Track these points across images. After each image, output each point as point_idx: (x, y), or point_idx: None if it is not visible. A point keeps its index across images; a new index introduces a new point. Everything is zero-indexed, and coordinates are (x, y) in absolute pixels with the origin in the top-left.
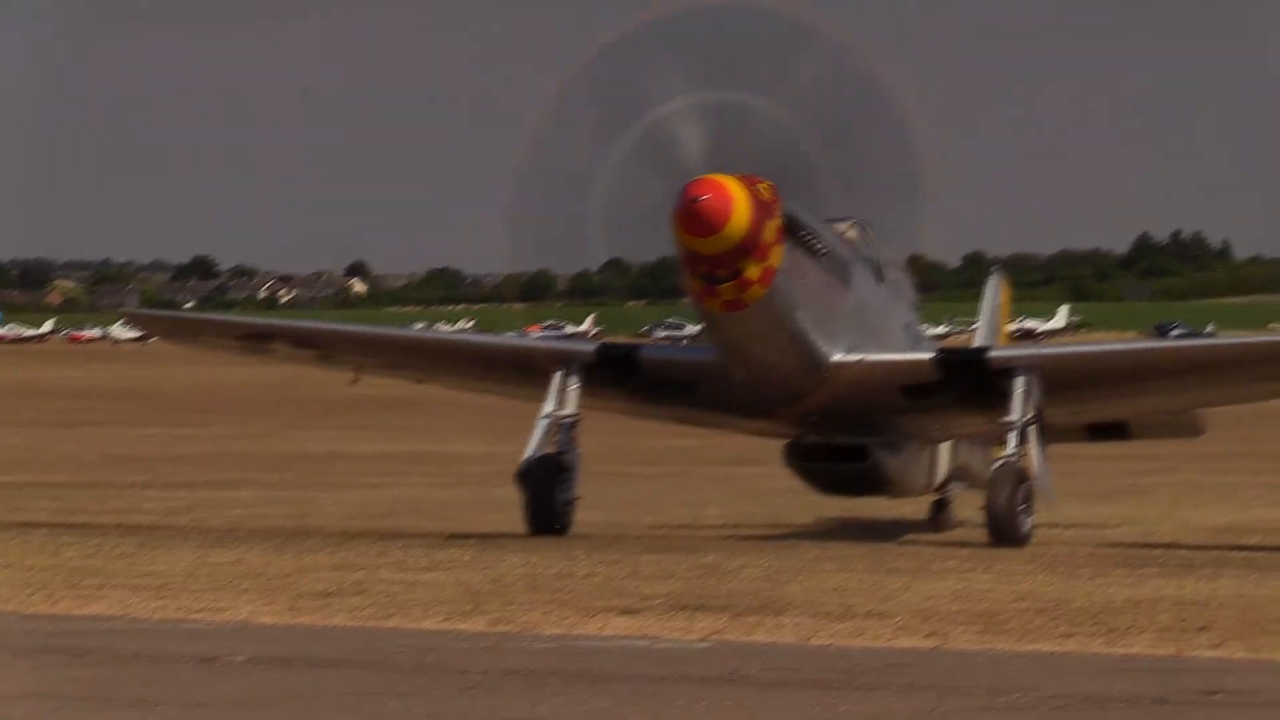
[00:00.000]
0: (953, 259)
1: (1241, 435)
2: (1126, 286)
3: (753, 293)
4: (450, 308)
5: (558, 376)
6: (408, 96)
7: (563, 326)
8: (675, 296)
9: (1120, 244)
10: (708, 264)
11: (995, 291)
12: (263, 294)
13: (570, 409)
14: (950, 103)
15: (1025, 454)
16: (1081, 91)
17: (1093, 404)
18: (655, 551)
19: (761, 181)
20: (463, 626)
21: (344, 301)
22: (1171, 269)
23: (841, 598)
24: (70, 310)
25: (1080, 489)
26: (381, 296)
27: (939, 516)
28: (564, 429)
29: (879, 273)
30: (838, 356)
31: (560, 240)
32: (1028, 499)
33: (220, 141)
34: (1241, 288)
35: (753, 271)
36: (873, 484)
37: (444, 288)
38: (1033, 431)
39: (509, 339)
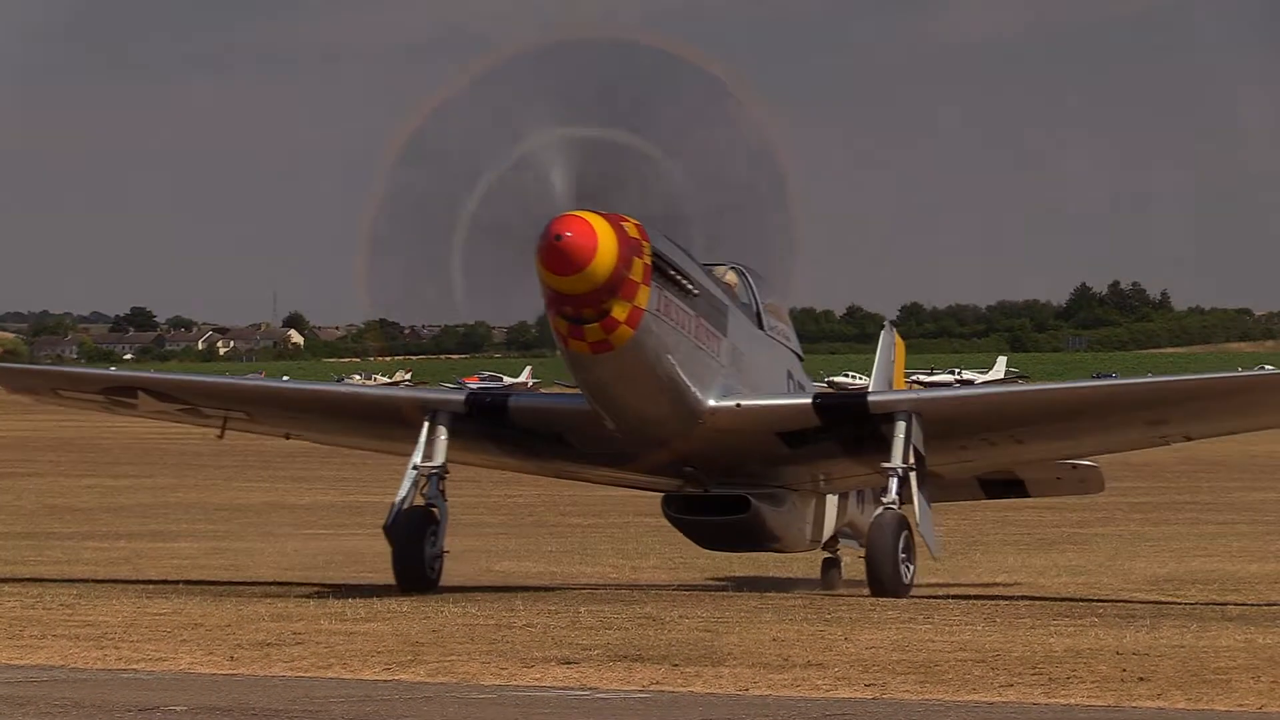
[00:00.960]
0: (890, 311)
1: (1180, 485)
2: (1065, 338)
3: (620, 334)
4: (388, 359)
5: (425, 426)
6: (332, 146)
7: (500, 379)
8: None
9: (1059, 295)
10: (572, 303)
11: (888, 343)
12: (201, 345)
13: (438, 460)
14: (883, 152)
15: (907, 501)
16: (1022, 141)
17: (978, 450)
18: (594, 602)
19: (628, 219)
20: (402, 676)
21: (281, 353)
22: (1110, 320)
23: (780, 648)
24: (9, 361)
25: (1019, 539)
26: (319, 348)
27: (829, 575)
28: (432, 480)
29: (758, 319)
30: (711, 402)
31: (420, 291)
32: (909, 548)
33: (158, 193)
34: (1181, 338)
35: (619, 311)
36: (753, 537)
37: (382, 339)
38: (914, 477)
39: (373, 389)
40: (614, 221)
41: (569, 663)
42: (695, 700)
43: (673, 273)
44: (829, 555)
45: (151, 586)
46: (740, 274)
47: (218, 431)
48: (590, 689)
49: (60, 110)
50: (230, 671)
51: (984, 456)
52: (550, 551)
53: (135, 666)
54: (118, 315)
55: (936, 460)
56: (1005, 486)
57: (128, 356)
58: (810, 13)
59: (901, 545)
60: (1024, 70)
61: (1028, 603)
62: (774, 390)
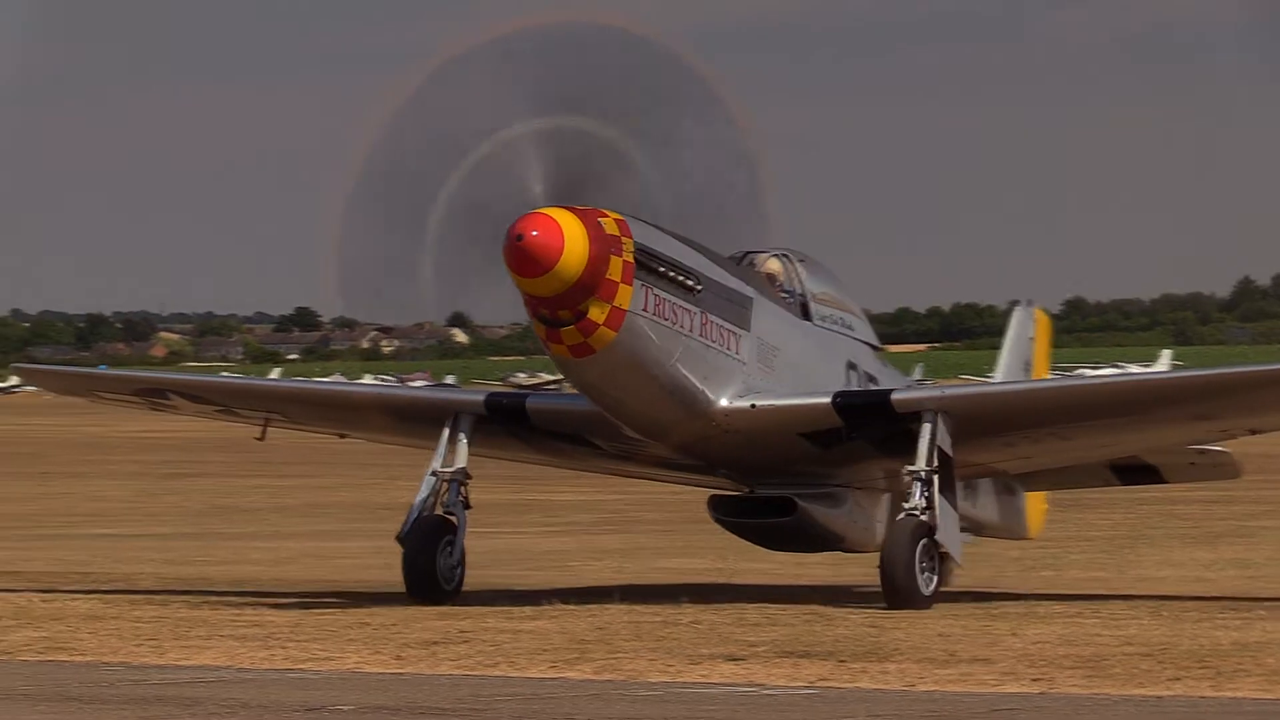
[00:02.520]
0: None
1: None
2: (1228, 330)
3: (600, 336)
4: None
5: (446, 430)
6: None
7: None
8: None
9: (1222, 288)
10: (545, 305)
11: (1021, 324)
12: (365, 345)
13: (458, 464)
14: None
15: (930, 506)
16: (1191, 135)
17: (1019, 448)
18: (760, 599)
19: (608, 214)
20: (568, 674)
21: (446, 352)
22: (1274, 312)
23: (947, 643)
24: (175, 362)
25: (1185, 532)
26: (484, 346)
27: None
28: (452, 486)
29: (804, 309)
30: (724, 402)
31: (393, 286)
32: (930, 556)
33: (323, 193)
34: None
35: (597, 313)
36: (807, 539)
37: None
38: (939, 480)
39: (401, 389)
40: (587, 218)
41: (735, 659)
42: (861, 696)
43: (664, 269)
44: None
45: (318, 585)
46: (786, 261)
47: (258, 433)
48: (757, 685)
49: (212, 111)
50: (397, 670)
51: (1028, 453)
52: (716, 549)
53: (302, 666)
54: (282, 316)
55: (983, 457)
56: (1139, 472)
57: (292, 357)
58: None
59: (920, 553)
60: (1196, 62)
61: (1194, 596)
62: (830, 385)
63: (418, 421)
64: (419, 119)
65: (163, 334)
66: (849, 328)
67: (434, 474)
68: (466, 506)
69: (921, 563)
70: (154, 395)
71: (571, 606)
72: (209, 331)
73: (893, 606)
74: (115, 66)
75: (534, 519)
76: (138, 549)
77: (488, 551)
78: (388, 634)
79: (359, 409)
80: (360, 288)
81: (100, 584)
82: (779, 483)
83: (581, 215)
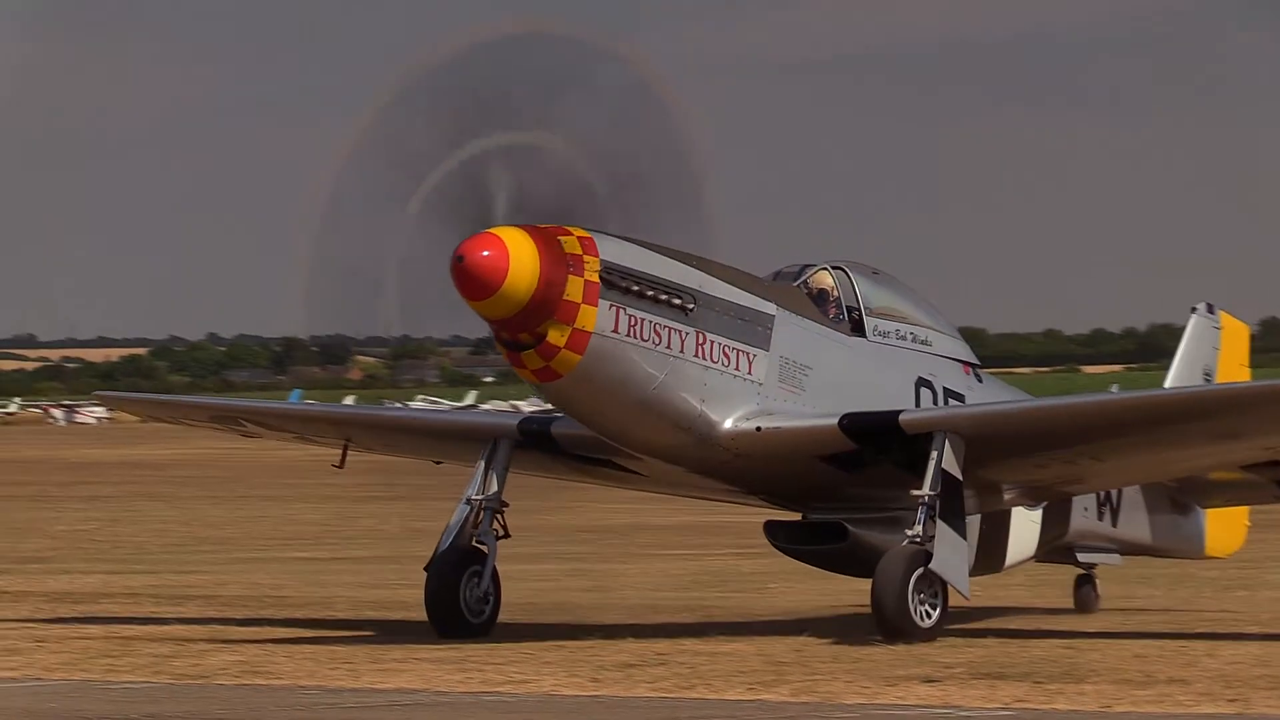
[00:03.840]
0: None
1: None
2: None
3: (563, 360)
4: None
5: (484, 455)
6: None
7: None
8: None
9: None
10: (501, 328)
11: (1200, 330)
12: None
13: (493, 491)
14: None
15: (930, 533)
16: None
17: (1053, 468)
18: (955, 621)
19: (572, 232)
20: (765, 696)
21: None
22: None
23: (1143, 664)
24: (371, 386)
25: None
26: None
27: (1082, 593)
28: (485, 514)
29: (857, 324)
30: (728, 425)
31: (353, 305)
32: (929, 587)
33: None
34: None
35: (556, 336)
36: (867, 565)
37: None
38: (943, 506)
39: (446, 414)
40: (541, 237)
41: (931, 681)
42: (1058, 717)
43: (641, 287)
44: (1082, 572)
45: (513, 608)
46: (841, 274)
47: (338, 459)
48: (953, 707)
49: None
50: (593, 693)
51: (1080, 473)
52: None
53: (498, 689)
54: (479, 338)
55: (1020, 477)
56: None
57: (488, 379)
58: None
59: (914, 583)
60: None
61: None
62: (891, 404)
63: (459, 445)
64: (384, 140)
65: (359, 357)
66: (924, 343)
67: (468, 501)
68: (503, 535)
69: (917, 593)
70: (230, 422)
71: (769, 629)
72: (405, 355)
73: (886, 639)
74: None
75: (728, 541)
76: (333, 572)
77: (685, 574)
78: (584, 656)
79: (406, 432)
80: (326, 306)
81: (296, 607)
82: (830, 508)
83: (535, 234)
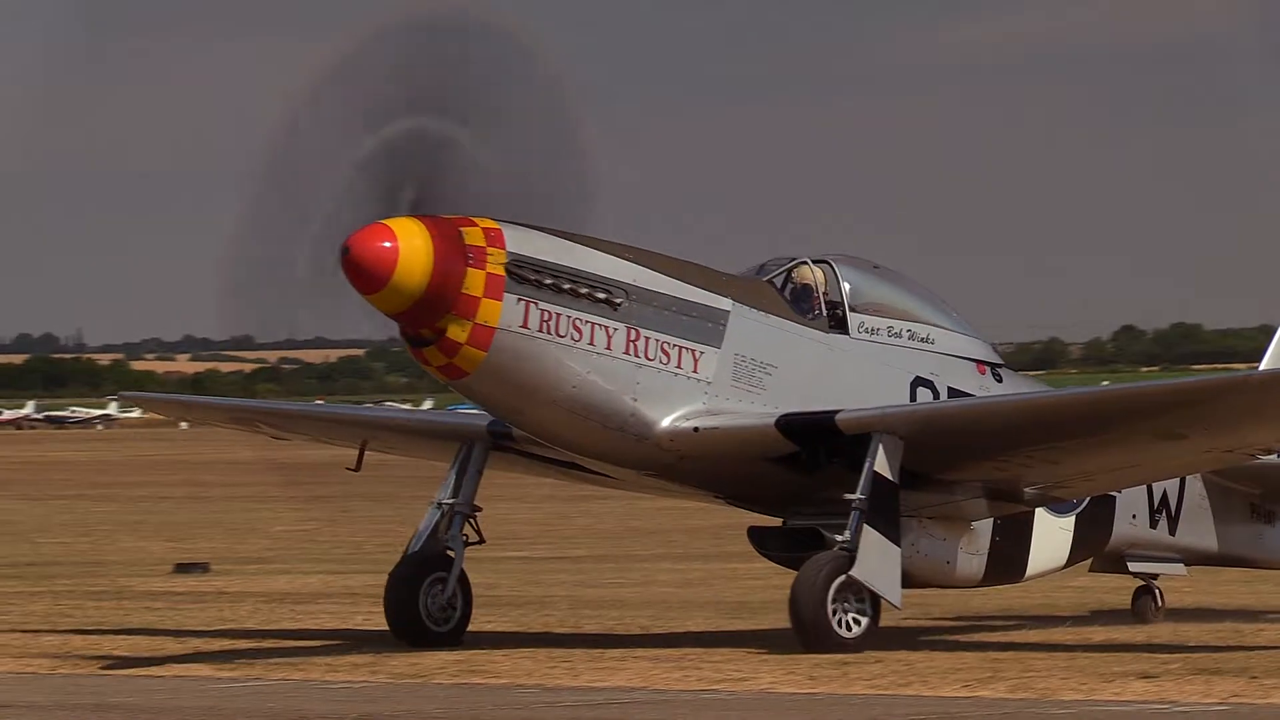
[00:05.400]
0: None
1: None
2: None
3: (466, 356)
4: None
5: (458, 458)
6: None
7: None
8: None
9: None
10: (402, 322)
11: None
12: None
13: (465, 495)
14: None
15: (858, 539)
16: None
17: (1013, 469)
18: (1171, 618)
19: (477, 223)
20: (982, 693)
21: None
22: None
23: None
24: None
25: None
26: None
27: (1140, 603)
28: (455, 520)
29: (838, 320)
30: (665, 425)
31: (268, 304)
32: (853, 595)
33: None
34: None
35: (457, 331)
36: None
37: None
38: (874, 511)
39: (422, 414)
40: (438, 227)
41: (1148, 677)
42: (1276, 712)
43: (556, 281)
44: (1142, 583)
45: (726, 607)
46: (827, 268)
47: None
48: (1169, 703)
49: None
50: (810, 690)
51: (1045, 474)
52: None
53: (715, 687)
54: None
55: (979, 476)
56: None
57: None
58: None
59: (835, 591)
60: None
61: None
62: (882, 404)
63: (435, 444)
64: (297, 132)
65: None
66: (924, 341)
67: (437, 505)
68: (475, 541)
69: (838, 601)
70: (247, 424)
71: (985, 626)
72: None
73: (806, 648)
74: None
75: None
76: (549, 571)
77: None
78: (801, 654)
79: (398, 432)
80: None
81: (513, 606)
82: (811, 513)
83: (431, 224)
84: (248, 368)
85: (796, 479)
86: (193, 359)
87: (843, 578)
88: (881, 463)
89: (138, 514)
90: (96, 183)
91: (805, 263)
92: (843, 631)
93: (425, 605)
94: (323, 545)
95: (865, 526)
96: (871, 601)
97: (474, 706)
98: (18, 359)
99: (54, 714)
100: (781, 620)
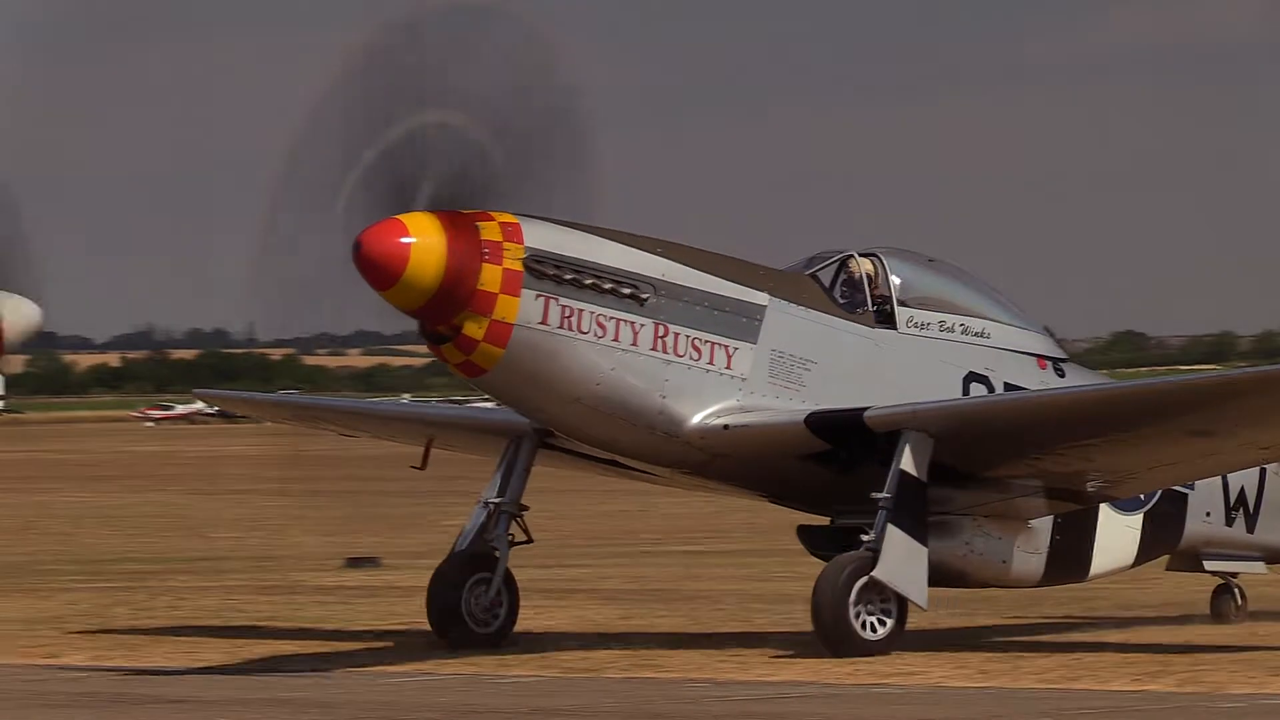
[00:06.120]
0: None
1: None
2: None
3: (484, 354)
4: (1132, 370)
5: (505, 455)
6: None
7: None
8: None
9: None
10: (419, 319)
11: None
12: None
13: (511, 494)
14: None
15: (882, 539)
16: None
17: (1045, 464)
18: (1257, 618)
19: (494, 218)
20: (1151, 687)
21: None
22: None
23: None
24: None
25: None
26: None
27: (1220, 603)
28: (501, 518)
29: (885, 315)
30: (696, 422)
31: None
32: (875, 597)
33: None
34: None
35: (473, 329)
36: None
37: (1129, 349)
38: (902, 511)
39: (474, 411)
40: (451, 223)
41: None
42: None
43: (578, 277)
44: (1221, 582)
45: None
46: (876, 261)
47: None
48: None
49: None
50: (980, 684)
51: (1083, 470)
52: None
53: (887, 681)
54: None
55: (1017, 473)
56: None
57: None
58: None
59: (857, 592)
60: None
61: None
62: (936, 398)
63: (495, 441)
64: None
65: None
66: (979, 335)
67: (484, 504)
68: (523, 541)
69: (863, 604)
70: (310, 421)
71: (1153, 620)
72: None
73: (829, 652)
74: None
75: None
76: (714, 566)
77: None
78: (972, 648)
79: (453, 429)
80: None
81: (682, 601)
82: (858, 511)
83: (445, 219)
84: (418, 362)
85: (834, 477)
86: (364, 353)
87: (865, 579)
88: (908, 461)
89: (308, 509)
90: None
91: (853, 256)
92: (866, 633)
93: (468, 605)
94: None
95: (890, 526)
96: (897, 603)
97: (646, 700)
98: (190, 354)
99: (226, 708)
100: (952, 614)
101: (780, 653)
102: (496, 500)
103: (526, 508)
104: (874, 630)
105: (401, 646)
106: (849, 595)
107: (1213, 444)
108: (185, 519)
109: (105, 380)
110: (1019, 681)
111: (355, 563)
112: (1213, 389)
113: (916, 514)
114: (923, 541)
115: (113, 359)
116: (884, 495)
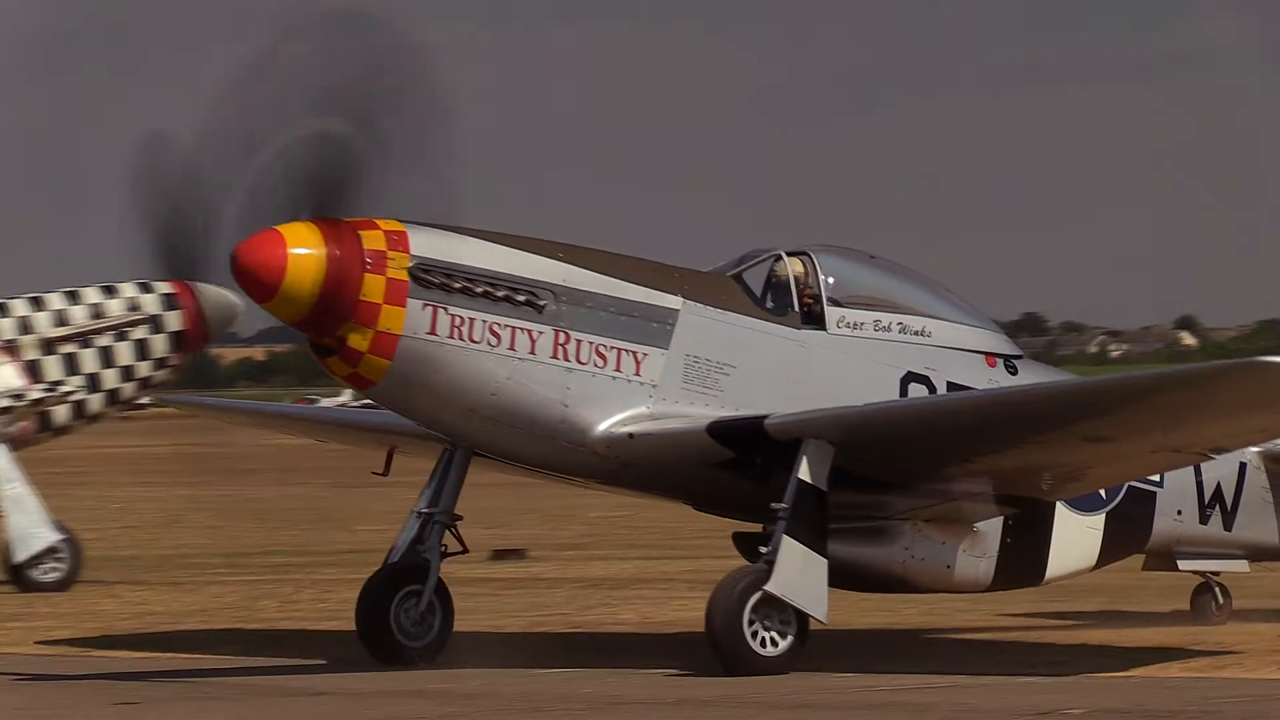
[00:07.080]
0: None
1: None
2: None
3: (370, 365)
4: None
5: (440, 462)
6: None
7: None
8: None
9: None
10: (304, 331)
11: None
12: (1093, 349)
13: (445, 504)
14: None
15: (776, 552)
16: None
17: (970, 467)
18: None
19: (379, 225)
20: None
21: (1174, 355)
22: None
23: None
24: None
25: None
26: (1211, 349)
27: (1200, 602)
28: (435, 529)
29: (814, 316)
30: (601, 431)
31: None
32: (772, 611)
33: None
34: None
35: (358, 340)
36: (842, 579)
37: (1273, 338)
38: (800, 521)
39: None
40: (333, 232)
41: None
42: None
43: (469, 285)
44: (1201, 581)
45: (1044, 591)
46: (806, 260)
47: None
48: None
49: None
50: (1127, 674)
51: (1012, 477)
52: None
53: (1033, 671)
54: (1010, 320)
55: (943, 483)
56: None
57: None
58: None
59: (751, 606)
60: None
61: None
62: (868, 400)
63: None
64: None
65: None
66: (919, 334)
67: (417, 514)
68: (456, 551)
69: (759, 619)
70: (270, 428)
71: None
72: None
73: (723, 668)
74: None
75: None
76: None
77: None
78: (1119, 638)
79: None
80: None
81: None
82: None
83: (326, 229)
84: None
85: (749, 487)
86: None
87: (760, 593)
88: (805, 470)
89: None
90: None
91: (780, 255)
92: (761, 649)
93: (396, 619)
94: (639, 530)
95: (785, 538)
96: (796, 617)
97: (793, 691)
98: None
99: (372, 700)
100: (1101, 602)
101: (921, 644)
102: (428, 510)
103: (460, 517)
104: (772, 645)
105: (543, 637)
106: (744, 609)
107: (1119, 449)
108: (330, 512)
109: (251, 374)
110: (1166, 671)
111: (501, 555)
112: (1077, 396)
113: (815, 525)
114: (822, 553)
115: (258, 353)
116: (782, 505)
